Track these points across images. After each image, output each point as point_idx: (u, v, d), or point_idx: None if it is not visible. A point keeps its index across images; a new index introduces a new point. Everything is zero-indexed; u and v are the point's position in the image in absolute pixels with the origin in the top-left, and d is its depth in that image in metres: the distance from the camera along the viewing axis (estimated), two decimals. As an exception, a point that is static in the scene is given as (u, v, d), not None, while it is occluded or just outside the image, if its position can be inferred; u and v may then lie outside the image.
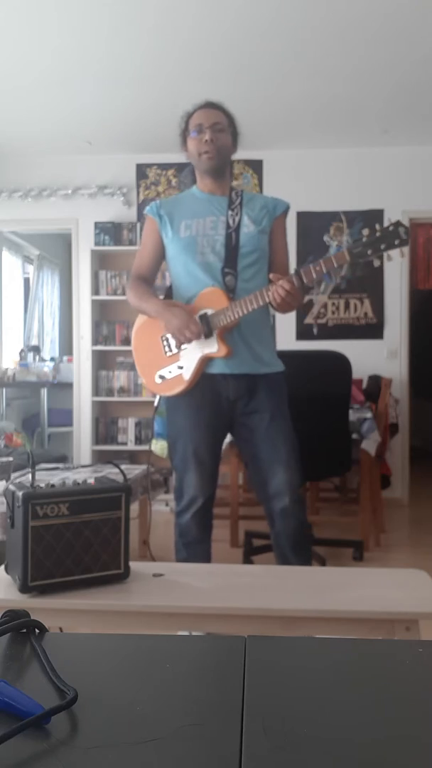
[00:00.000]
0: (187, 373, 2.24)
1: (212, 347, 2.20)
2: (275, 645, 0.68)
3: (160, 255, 2.37)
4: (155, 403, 2.51)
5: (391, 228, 1.99)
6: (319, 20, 3.31)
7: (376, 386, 4.34)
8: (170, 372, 2.28)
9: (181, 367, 2.26)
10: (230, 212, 2.27)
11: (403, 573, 1.78)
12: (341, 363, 3.29)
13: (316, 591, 1.61)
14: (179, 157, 5.20)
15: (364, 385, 4.76)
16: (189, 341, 2.17)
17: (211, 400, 2.25)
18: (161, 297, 2.37)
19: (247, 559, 3.46)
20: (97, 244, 5.15)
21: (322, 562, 3.38)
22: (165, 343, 2.29)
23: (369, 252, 2.00)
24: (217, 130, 2.24)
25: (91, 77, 3.95)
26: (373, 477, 3.83)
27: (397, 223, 2.01)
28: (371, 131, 4.77)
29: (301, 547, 2.26)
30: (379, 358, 5.04)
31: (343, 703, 0.54)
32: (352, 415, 3.61)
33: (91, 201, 5.24)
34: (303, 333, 5.07)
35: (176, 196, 2.49)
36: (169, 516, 4.86)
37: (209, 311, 2.20)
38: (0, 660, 0.63)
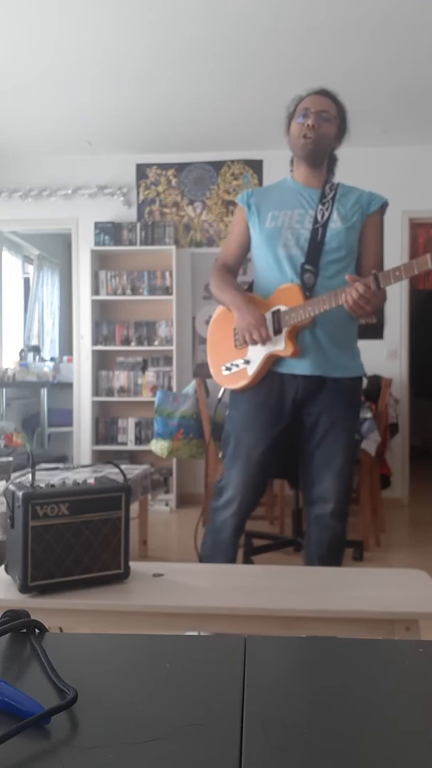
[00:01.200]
0: (252, 369, 2.18)
1: (280, 345, 2.13)
2: (275, 645, 0.68)
3: (246, 245, 2.31)
4: (219, 396, 2.47)
5: None
6: (319, 20, 3.31)
7: (376, 386, 4.34)
8: (237, 365, 2.23)
9: (247, 362, 2.20)
10: (321, 206, 2.18)
11: (403, 573, 1.78)
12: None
13: (316, 591, 1.61)
14: (179, 157, 5.23)
15: (364, 385, 4.75)
16: (254, 344, 2.13)
17: (275, 401, 2.18)
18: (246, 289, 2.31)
19: (247, 559, 3.46)
20: (97, 244, 5.15)
21: (322, 562, 3.38)
22: (237, 335, 2.24)
23: None
24: (323, 118, 2.16)
25: (91, 77, 3.95)
26: (373, 477, 3.83)
27: None
28: (371, 131, 4.77)
29: (329, 559, 2.20)
30: (379, 358, 5.04)
31: (343, 703, 0.54)
32: (352, 415, 3.61)
33: (91, 201, 5.24)
34: (303, 333, 5.06)
35: (269, 186, 2.42)
36: (170, 516, 4.87)
37: (283, 308, 2.13)
38: (0, 660, 0.63)
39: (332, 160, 2.31)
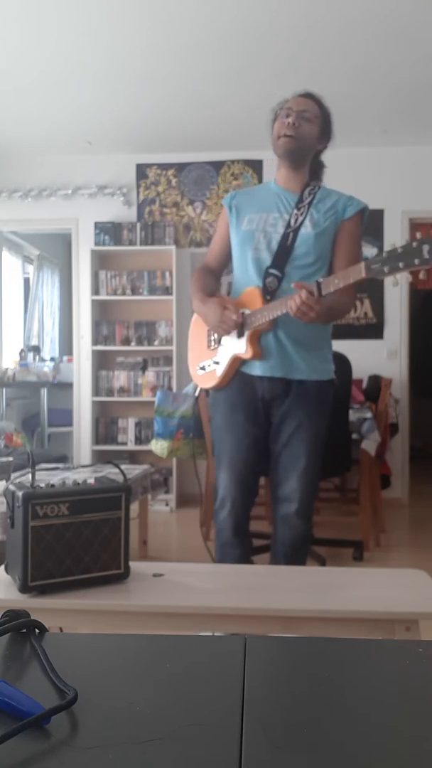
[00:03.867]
0: (220, 370, 2.24)
1: (241, 348, 2.17)
2: (275, 645, 0.68)
3: (228, 246, 2.33)
4: (195, 393, 2.53)
5: (414, 245, 1.79)
6: (318, 20, 3.31)
7: (376, 386, 4.34)
8: (209, 365, 2.30)
9: (216, 363, 2.26)
10: (296, 211, 2.18)
11: (403, 573, 1.78)
12: (341, 363, 3.29)
13: (316, 591, 1.61)
14: (179, 157, 5.23)
15: (364, 385, 4.76)
16: (228, 332, 2.16)
17: (248, 402, 2.21)
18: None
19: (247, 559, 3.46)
20: (97, 244, 5.15)
21: (322, 562, 3.38)
22: (210, 335, 2.30)
23: (386, 269, 1.84)
24: (303, 117, 2.15)
25: (91, 77, 3.95)
26: (373, 477, 3.83)
27: (423, 240, 1.79)
28: (371, 131, 4.77)
29: (294, 559, 2.23)
30: (379, 358, 5.04)
31: (343, 703, 0.54)
32: (352, 415, 3.61)
33: (91, 201, 5.24)
34: (303, 333, 5.06)
35: (253, 188, 2.46)
36: (170, 516, 4.87)
37: (246, 311, 2.16)
38: (0, 660, 0.63)
39: (319, 166, 2.31)
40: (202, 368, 2.32)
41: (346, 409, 3.38)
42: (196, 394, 2.53)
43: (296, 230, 2.16)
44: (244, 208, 2.25)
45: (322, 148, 2.26)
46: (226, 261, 2.37)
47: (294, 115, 2.15)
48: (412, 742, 0.48)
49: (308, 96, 2.23)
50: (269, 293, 2.13)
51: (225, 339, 2.23)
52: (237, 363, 2.20)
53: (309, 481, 2.21)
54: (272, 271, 2.15)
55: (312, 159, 2.26)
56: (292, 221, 2.17)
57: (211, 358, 2.29)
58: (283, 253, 2.15)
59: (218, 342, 2.25)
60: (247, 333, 2.14)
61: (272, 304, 2.08)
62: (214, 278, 2.35)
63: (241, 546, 2.29)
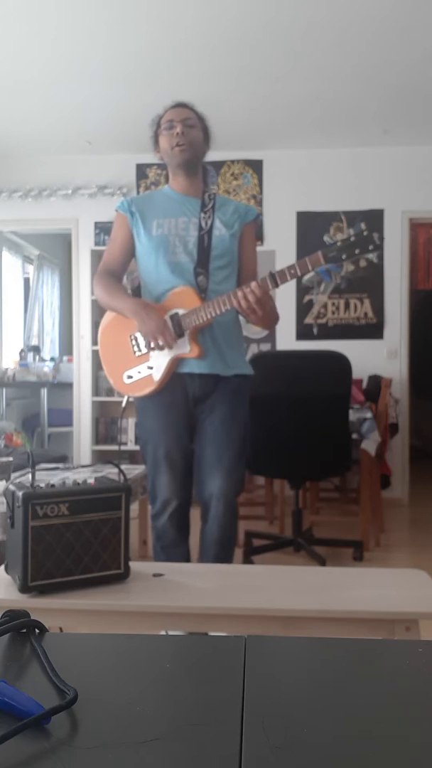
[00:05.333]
0: (158, 374, 2.23)
1: (184, 348, 2.19)
2: (275, 645, 0.68)
3: (130, 251, 2.36)
4: (123, 404, 2.50)
5: (365, 233, 1.99)
6: (318, 20, 3.31)
7: (376, 386, 4.34)
8: (139, 372, 2.27)
9: (150, 368, 2.24)
10: (203, 215, 2.27)
11: (403, 573, 1.78)
12: (341, 363, 3.29)
13: (316, 591, 1.61)
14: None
15: (364, 385, 4.76)
16: (160, 349, 2.16)
17: (180, 401, 2.25)
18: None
19: (247, 559, 3.46)
20: (97, 244, 5.15)
21: (322, 562, 3.38)
22: (134, 342, 2.28)
23: (343, 256, 2.00)
24: (188, 125, 2.26)
25: (91, 77, 3.95)
26: (373, 477, 3.83)
27: (371, 229, 2.04)
28: (371, 131, 4.77)
29: (223, 554, 2.25)
30: (379, 358, 5.04)
31: (343, 703, 0.54)
32: (352, 415, 3.61)
33: (91, 201, 5.24)
34: (303, 333, 5.07)
35: (148, 194, 2.48)
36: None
37: (180, 311, 2.18)
38: (0, 660, 0.63)
39: (206, 172, 2.41)
40: (130, 377, 2.29)
41: (346, 409, 3.38)
42: (123, 404, 2.49)
43: (209, 232, 2.24)
44: (148, 214, 2.29)
45: (207, 149, 2.36)
46: (126, 266, 2.41)
47: (179, 125, 2.24)
48: (412, 742, 0.48)
49: (182, 105, 2.33)
50: (202, 291, 2.19)
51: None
52: (174, 364, 2.21)
53: (236, 476, 2.24)
54: (200, 270, 2.21)
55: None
56: (203, 224, 2.25)
57: (142, 364, 2.26)
58: (203, 254, 2.22)
59: (147, 346, 2.22)
60: (187, 332, 2.17)
61: (213, 301, 2.12)
62: (120, 283, 2.37)
63: (185, 543, 2.32)
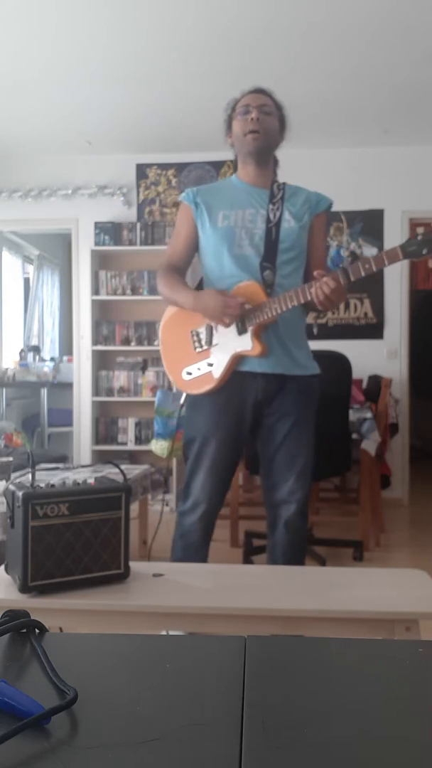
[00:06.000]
0: (217, 371, 2.13)
1: (246, 345, 2.08)
2: (275, 645, 0.68)
3: (194, 244, 2.26)
4: (181, 401, 2.37)
5: None
6: (318, 20, 3.31)
7: (376, 386, 4.34)
8: (199, 369, 2.17)
9: (210, 365, 2.15)
10: (271, 206, 2.16)
11: (403, 573, 1.78)
12: (341, 363, 3.29)
13: (316, 591, 1.61)
14: (179, 157, 5.22)
15: (364, 385, 4.76)
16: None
17: (238, 402, 2.15)
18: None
19: (247, 559, 3.46)
20: (97, 244, 5.14)
21: (322, 562, 3.38)
22: (195, 338, 2.19)
23: (424, 251, 1.89)
24: (264, 111, 2.15)
25: (91, 77, 3.95)
26: (373, 477, 3.83)
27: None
28: (371, 131, 4.77)
29: (294, 561, 2.20)
30: (379, 358, 5.04)
31: (343, 703, 0.54)
32: (352, 415, 3.61)
33: (91, 201, 5.24)
34: (303, 333, 5.07)
35: (214, 185, 2.39)
36: (169, 516, 4.86)
37: (246, 306, 2.08)
38: (0, 660, 0.63)
39: (276, 163, 2.31)
40: (189, 373, 2.20)
41: (346, 409, 3.38)
42: (182, 402, 2.36)
43: (277, 224, 2.14)
44: (214, 205, 2.19)
45: (281, 140, 2.27)
46: (190, 259, 2.31)
47: (255, 110, 2.14)
48: (412, 742, 0.48)
49: (261, 91, 2.23)
50: (268, 287, 2.10)
51: (220, 338, 2.13)
52: (236, 362, 2.12)
53: (307, 480, 2.18)
54: (267, 264, 2.12)
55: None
56: (271, 216, 2.15)
57: (202, 360, 2.17)
58: (271, 248, 2.12)
59: (209, 343, 2.15)
60: (251, 329, 2.07)
61: (282, 296, 2.02)
62: (182, 277, 2.28)
63: (206, 549, 2.26)
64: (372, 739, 0.48)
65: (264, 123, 2.14)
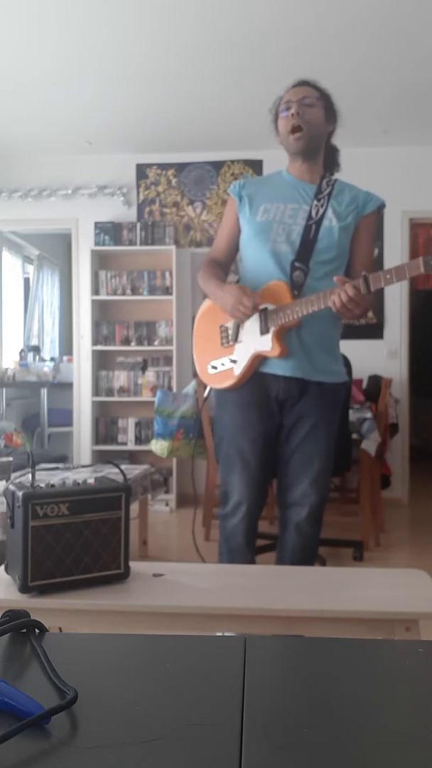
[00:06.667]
0: (238, 369, 2.10)
1: (266, 345, 2.04)
2: (275, 645, 0.68)
3: (237, 238, 2.20)
4: (205, 395, 2.32)
5: None
6: (318, 20, 3.31)
7: (376, 386, 4.34)
8: (223, 364, 2.15)
9: (234, 361, 2.12)
10: (316, 202, 2.08)
11: (403, 573, 1.78)
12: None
13: (316, 591, 1.61)
14: (179, 157, 5.23)
15: (364, 385, 4.76)
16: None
17: (261, 401, 2.11)
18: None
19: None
20: (97, 244, 5.15)
21: (322, 562, 3.38)
22: (223, 333, 2.16)
23: None
24: (305, 104, 2.08)
25: (91, 77, 3.95)
26: (373, 477, 3.83)
27: None
28: (371, 131, 4.77)
29: (303, 564, 2.16)
30: (379, 358, 5.04)
31: (343, 703, 0.54)
32: (352, 415, 3.61)
33: (91, 201, 5.24)
34: (303, 333, 5.06)
35: (263, 177, 2.32)
36: (170, 516, 4.87)
37: (270, 306, 2.04)
38: (0, 660, 0.63)
39: (332, 151, 2.22)
40: (214, 367, 2.17)
41: (346, 409, 3.38)
42: (205, 395, 2.33)
43: (318, 222, 2.05)
44: (257, 198, 2.13)
45: (332, 129, 2.18)
46: (234, 254, 2.26)
47: (295, 105, 2.08)
48: (412, 742, 0.48)
49: (303, 84, 2.16)
50: (296, 288, 2.03)
51: (244, 336, 2.10)
52: (257, 361, 2.08)
53: (322, 485, 2.13)
54: (298, 265, 2.04)
55: (324, 145, 2.19)
56: (314, 213, 2.07)
57: (226, 356, 2.14)
58: (306, 247, 2.04)
59: (234, 339, 2.12)
60: (273, 329, 2.02)
61: (305, 299, 1.97)
62: (223, 271, 2.22)
63: (251, 551, 2.22)
64: (372, 739, 0.48)
65: (306, 116, 2.07)
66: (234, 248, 2.24)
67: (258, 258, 2.10)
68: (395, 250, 5.01)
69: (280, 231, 2.07)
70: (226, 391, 2.16)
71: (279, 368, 2.07)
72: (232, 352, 2.14)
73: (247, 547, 2.20)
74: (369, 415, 3.69)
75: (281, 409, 2.13)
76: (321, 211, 2.08)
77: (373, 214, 2.15)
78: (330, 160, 2.23)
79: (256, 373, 2.10)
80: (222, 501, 2.21)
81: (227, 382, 2.14)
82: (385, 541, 3.96)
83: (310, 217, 2.07)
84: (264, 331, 2.05)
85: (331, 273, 2.05)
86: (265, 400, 2.11)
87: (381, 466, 4.18)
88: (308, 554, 2.20)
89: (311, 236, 2.05)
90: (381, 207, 2.18)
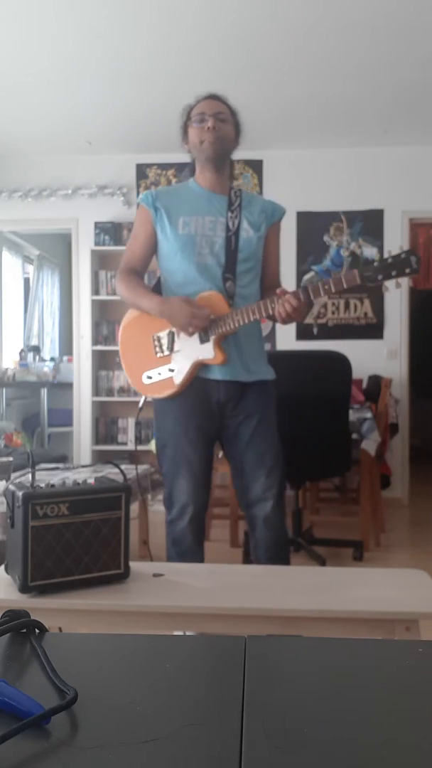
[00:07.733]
0: (179, 377, 2.17)
1: (208, 353, 2.13)
2: (275, 645, 0.68)
3: (153, 248, 2.27)
4: (140, 405, 2.42)
5: (402, 256, 1.96)
6: (319, 20, 3.31)
7: (376, 386, 4.34)
8: (159, 374, 2.21)
9: (172, 370, 2.18)
10: (230, 214, 2.19)
11: (403, 573, 1.78)
12: (341, 363, 3.29)
13: (316, 591, 1.61)
14: (179, 157, 5.21)
15: (364, 385, 4.76)
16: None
17: (201, 405, 2.19)
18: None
19: (247, 559, 3.46)
20: (97, 244, 5.15)
21: (322, 562, 3.38)
22: (156, 343, 2.21)
23: (379, 277, 1.97)
24: (220, 119, 2.18)
25: (90, 77, 3.95)
26: (373, 477, 3.83)
27: (409, 252, 1.99)
28: (371, 131, 4.77)
29: (279, 558, 2.21)
30: (379, 358, 5.04)
31: (343, 703, 0.54)
32: (352, 415, 3.61)
33: (91, 201, 5.24)
34: (303, 333, 5.07)
35: (173, 188, 2.39)
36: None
37: (210, 317, 2.13)
38: (0, 660, 0.63)
39: (232, 164, 2.34)
40: (150, 377, 2.23)
41: (346, 409, 3.38)
42: (140, 405, 2.40)
43: (236, 233, 2.18)
44: (174, 210, 2.20)
45: (237, 145, 2.30)
46: (149, 262, 2.32)
47: (211, 119, 2.18)
48: (412, 742, 0.48)
49: (215, 98, 2.27)
50: (230, 297, 2.14)
51: (181, 345, 2.16)
52: (197, 369, 2.16)
53: (278, 474, 2.21)
54: (228, 275, 2.16)
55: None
56: (230, 224, 2.19)
57: (163, 365, 2.20)
58: (230, 257, 2.16)
59: (170, 349, 2.18)
60: (213, 338, 2.11)
61: (244, 308, 2.08)
62: (142, 281, 2.30)
63: (201, 550, 2.28)
64: (371, 740, 0.48)
65: (220, 131, 2.18)
66: (149, 258, 2.31)
67: (184, 271, 2.18)
68: (395, 249, 5.00)
69: (204, 244, 2.17)
70: (166, 399, 2.22)
71: (219, 373, 2.17)
72: (169, 362, 2.20)
73: (197, 547, 2.26)
74: (369, 415, 3.69)
75: (222, 411, 2.21)
76: (236, 222, 2.20)
77: (279, 221, 2.31)
78: (231, 172, 2.36)
79: (195, 378, 2.18)
80: (167, 506, 2.28)
81: (167, 391, 2.20)
82: (385, 541, 3.96)
83: (228, 228, 2.19)
84: (204, 339, 2.13)
85: (252, 280, 2.22)
86: (206, 404, 2.20)
87: (381, 466, 4.18)
88: (282, 544, 2.25)
89: (233, 247, 2.18)
90: (283, 214, 2.33)
